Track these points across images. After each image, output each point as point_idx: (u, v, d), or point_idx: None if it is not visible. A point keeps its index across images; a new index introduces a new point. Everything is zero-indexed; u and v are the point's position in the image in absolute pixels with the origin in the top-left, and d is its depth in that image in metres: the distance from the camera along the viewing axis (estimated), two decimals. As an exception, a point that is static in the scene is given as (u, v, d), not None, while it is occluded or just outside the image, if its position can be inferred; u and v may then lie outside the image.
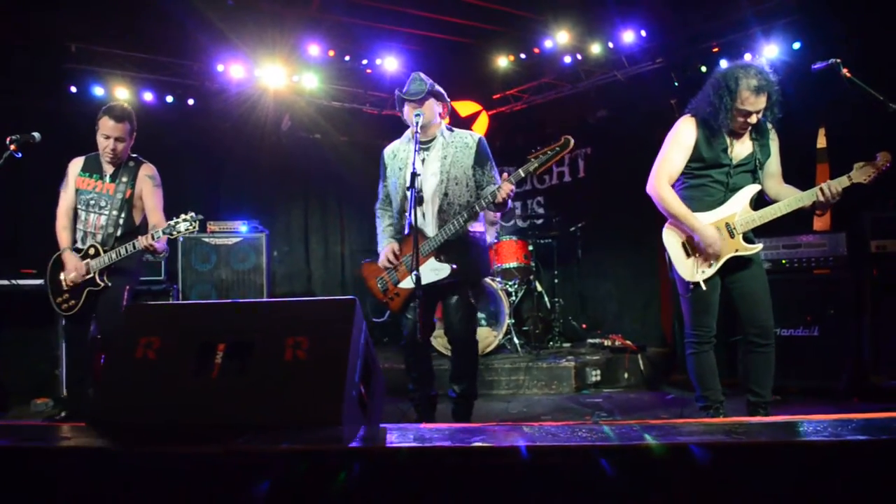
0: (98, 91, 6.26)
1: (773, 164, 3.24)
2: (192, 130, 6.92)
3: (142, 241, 3.65)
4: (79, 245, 3.86)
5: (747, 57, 5.48)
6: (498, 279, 6.08)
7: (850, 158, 3.05)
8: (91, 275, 3.75)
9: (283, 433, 1.66)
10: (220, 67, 6.56)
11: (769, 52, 5.44)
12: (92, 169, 3.90)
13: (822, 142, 4.65)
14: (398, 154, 3.57)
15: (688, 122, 3.19)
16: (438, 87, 3.50)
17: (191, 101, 6.80)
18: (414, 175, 3.11)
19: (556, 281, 6.61)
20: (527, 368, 5.30)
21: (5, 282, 4.72)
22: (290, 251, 7.85)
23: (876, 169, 2.95)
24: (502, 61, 7.23)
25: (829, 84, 3.30)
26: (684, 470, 1.43)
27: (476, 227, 3.45)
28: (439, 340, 5.27)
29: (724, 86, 3.01)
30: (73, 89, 6.21)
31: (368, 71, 7.20)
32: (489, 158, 3.47)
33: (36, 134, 3.70)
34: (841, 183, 2.99)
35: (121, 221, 3.85)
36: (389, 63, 6.93)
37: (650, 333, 6.45)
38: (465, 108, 7.61)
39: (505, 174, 3.25)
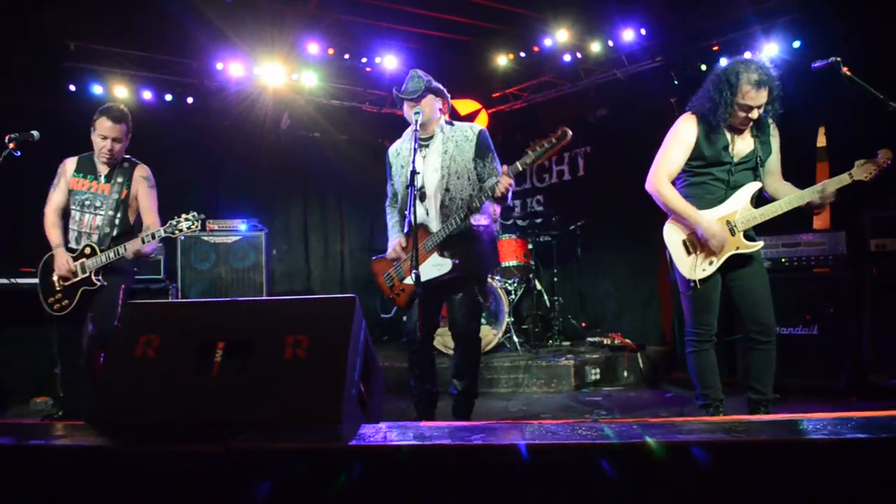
0: (97, 89, 6.26)
1: (774, 161, 3.24)
2: (191, 129, 6.92)
3: (130, 249, 3.69)
4: (73, 245, 3.86)
5: (747, 55, 5.47)
6: (497, 277, 6.08)
7: (850, 157, 3.05)
8: (87, 274, 3.75)
9: (283, 431, 1.66)
10: (219, 66, 6.55)
11: (769, 51, 5.43)
12: (86, 169, 3.90)
13: (821, 140, 4.64)
14: (401, 152, 3.58)
15: (688, 119, 3.18)
16: (437, 84, 3.48)
17: (190, 100, 6.79)
18: (413, 173, 3.10)
19: (555, 279, 6.61)
20: (526, 367, 5.30)
21: (4, 280, 4.71)
22: (289, 249, 7.85)
23: (877, 166, 2.95)
24: (502, 59, 7.22)
25: (830, 83, 3.30)
26: (684, 468, 1.43)
27: (481, 220, 3.40)
28: (439, 339, 5.26)
29: (724, 80, 3.01)
30: (72, 88, 6.20)
31: (368, 69, 7.19)
32: (490, 150, 3.44)
33: (35, 132, 3.71)
34: (842, 181, 3.00)
35: (117, 221, 3.86)
36: (389, 61, 6.92)
37: (649, 332, 6.46)
38: (464, 106, 7.60)
39: (504, 167, 3.24)
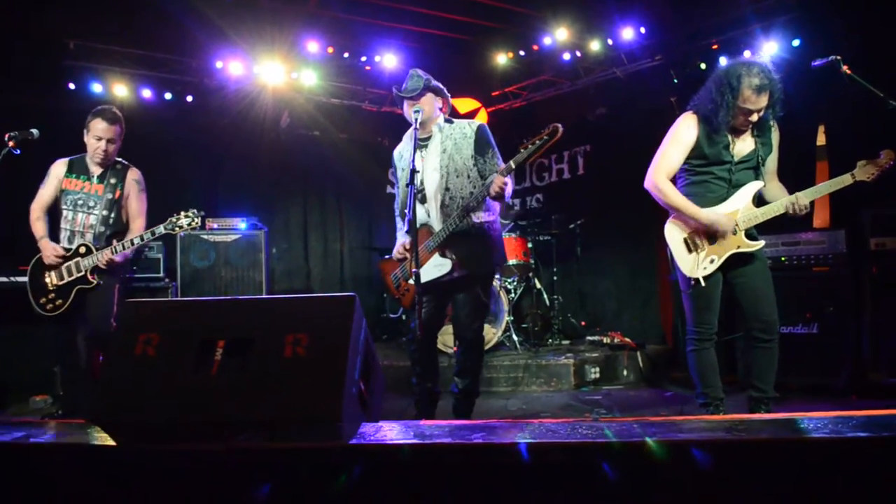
0: (97, 88, 6.24)
1: (772, 160, 3.24)
2: (190, 127, 6.91)
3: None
4: (65, 245, 3.89)
5: (747, 54, 5.47)
6: (497, 276, 6.08)
7: (849, 156, 3.05)
8: (82, 273, 3.78)
9: (284, 430, 1.66)
10: (218, 64, 6.54)
11: (769, 50, 5.43)
12: (78, 170, 3.95)
13: (821, 139, 4.64)
14: (404, 154, 3.55)
15: (689, 119, 3.18)
16: (436, 82, 3.47)
17: (189, 98, 6.78)
18: (413, 172, 3.09)
19: (555, 278, 6.61)
20: (526, 366, 5.30)
21: (4, 279, 4.72)
22: (288, 248, 7.85)
23: (879, 167, 2.95)
24: (501, 58, 7.21)
25: (829, 81, 3.30)
26: (685, 467, 1.43)
27: (484, 216, 3.35)
28: (439, 338, 5.26)
29: (726, 83, 3.01)
30: (72, 86, 6.19)
31: (367, 68, 7.18)
32: (490, 146, 3.39)
33: (34, 130, 3.72)
34: (844, 181, 3.01)
35: (111, 221, 3.91)
36: (388, 60, 6.91)
37: (649, 331, 6.46)
38: (464, 104, 7.60)
39: (500, 165, 3.23)
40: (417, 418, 3.44)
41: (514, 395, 5.10)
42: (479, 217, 3.33)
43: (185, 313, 1.99)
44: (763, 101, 2.98)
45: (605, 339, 5.95)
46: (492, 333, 5.69)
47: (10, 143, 3.63)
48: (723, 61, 5.33)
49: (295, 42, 6.52)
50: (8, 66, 5.71)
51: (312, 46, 6.60)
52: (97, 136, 3.84)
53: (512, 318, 5.98)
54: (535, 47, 6.95)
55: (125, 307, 1.94)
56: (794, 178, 3.26)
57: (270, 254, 6.55)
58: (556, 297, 6.50)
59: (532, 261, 6.31)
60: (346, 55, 6.97)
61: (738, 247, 3.09)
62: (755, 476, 1.42)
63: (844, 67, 3.05)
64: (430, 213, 3.41)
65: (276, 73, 6.70)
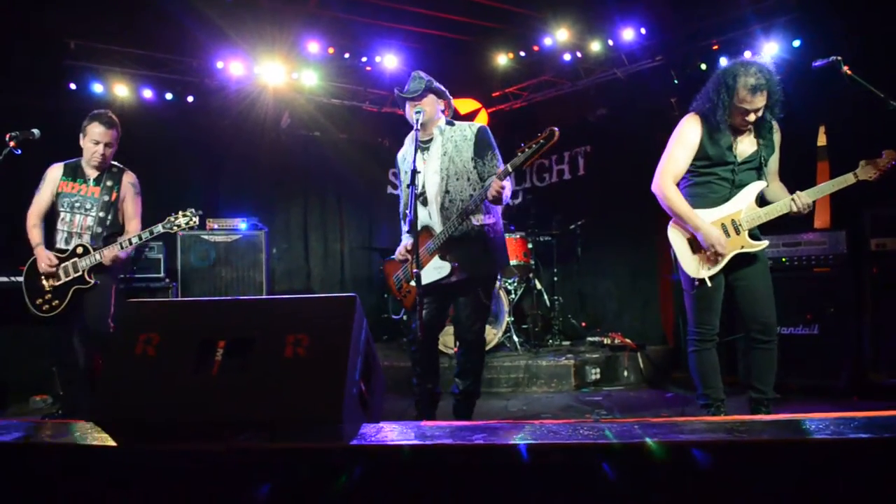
0: (97, 88, 6.25)
1: (774, 160, 3.24)
2: (191, 128, 6.91)
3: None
4: (61, 246, 3.92)
5: (747, 55, 5.47)
6: (497, 277, 6.07)
7: (850, 156, 3.05)
8: (79, 273, 3.81)
9: (284, 431, 1.65)
10: (219, 64, 6.54)
11: (769, 50, 5.43)
12: (74, 174, 3.98)
13: (822, 140, 4.64)
14: (407, 157, 3.54)
15: (692, 120, 3.18)
16: (438, 84, 3.46)
17: (190, 99, 6.78)
18: (414, 172, 3.09)
19: (555, 279, 6.61)
20: (526, 367, 5.29)
21: (4, 279, 4.72)
22: (289, 248, 7.85)
23: (881, 167, 2.95)
24: (502, 59, 7.21)
25: (830, 82, 3.30)
26: (686, 468, 1.43)
27: (484, 219, 3.34)
28: (441, 339, 5.26)
29: (722, 82, 3.02)
30: (73, 86, 6.19)
31: (368, 68, 7.19)
32: (490, 148, 3.38)
33: (35, 131, 3.73)
34: (846, 180, 3.01)
35: (107, 222, 3.95)
36: (389, 60, 6.91)
37: (650, 331, 6.45)
38: (464, 105, 7.60)
39: (500, 168, 3.22)
40: (418, 419, 3.43)
41: (515, 396, 5.10)
42: (479, 220, 3.32)
43: (185, 313, 1.99)
44: (759, 101, 2.98)
45: (606, 340, 5.94)
46: (492, 334, 5.69)
47: (11, 144, 3.64)
48: (723, 62, 5.33)
49: (295, 42, 6.53)
50: (8, 66, 5.71)
51: (313, 47, 6.61)
52: (94, 139, 3.87)
53: (512, 318, 5.97)
54: (536, 48, 6.95)
55: (126, 307, 1.93)
56: (795, 178, 3.25)
57: (271, 254, 6.55)
58: (556, 297, 6.50)
59: (532, 261, 6.31)
60: (346, 56, 6.98)
61: (742, 247, 3.08)
62: (756, 477, 1.42)
63: (845, 68, 3.05)
64: (431, 216, 3.40)
65: (276, 73, 6.70)
